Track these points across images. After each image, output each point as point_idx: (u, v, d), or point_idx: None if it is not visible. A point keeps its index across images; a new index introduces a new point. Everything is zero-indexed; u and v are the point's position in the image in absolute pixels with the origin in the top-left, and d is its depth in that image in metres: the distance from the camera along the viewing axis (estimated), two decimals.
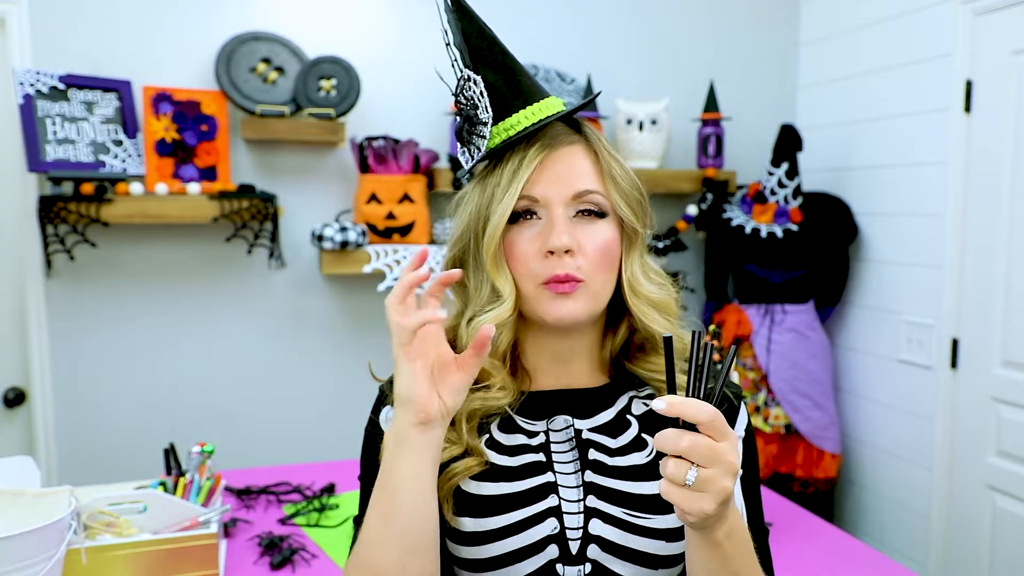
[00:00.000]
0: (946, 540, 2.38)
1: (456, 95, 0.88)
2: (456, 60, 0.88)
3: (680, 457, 0.67)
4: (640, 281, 0.87)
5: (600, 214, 0.85)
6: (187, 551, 1.42)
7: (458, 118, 0.88)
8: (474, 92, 0.85)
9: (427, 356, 0.77)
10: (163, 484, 1.62)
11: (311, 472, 2.09)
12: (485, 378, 0.86)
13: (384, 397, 0.92)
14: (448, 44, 0.88)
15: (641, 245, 0.88)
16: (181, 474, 1.64)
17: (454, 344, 0.89)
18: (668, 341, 0.70)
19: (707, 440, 0.66)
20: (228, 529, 1.71)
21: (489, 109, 0.84)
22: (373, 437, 0.91)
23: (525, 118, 0.84)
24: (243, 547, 1.65)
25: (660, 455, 0.69)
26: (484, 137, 0.84)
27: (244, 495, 1.90)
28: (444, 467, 0.84)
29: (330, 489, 1.94)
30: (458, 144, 0.89)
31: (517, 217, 0.84)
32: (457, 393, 0.77)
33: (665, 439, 0.67)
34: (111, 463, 2.34)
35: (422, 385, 0.75)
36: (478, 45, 0.85)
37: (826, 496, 2.67)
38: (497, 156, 0.86)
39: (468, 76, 0.85)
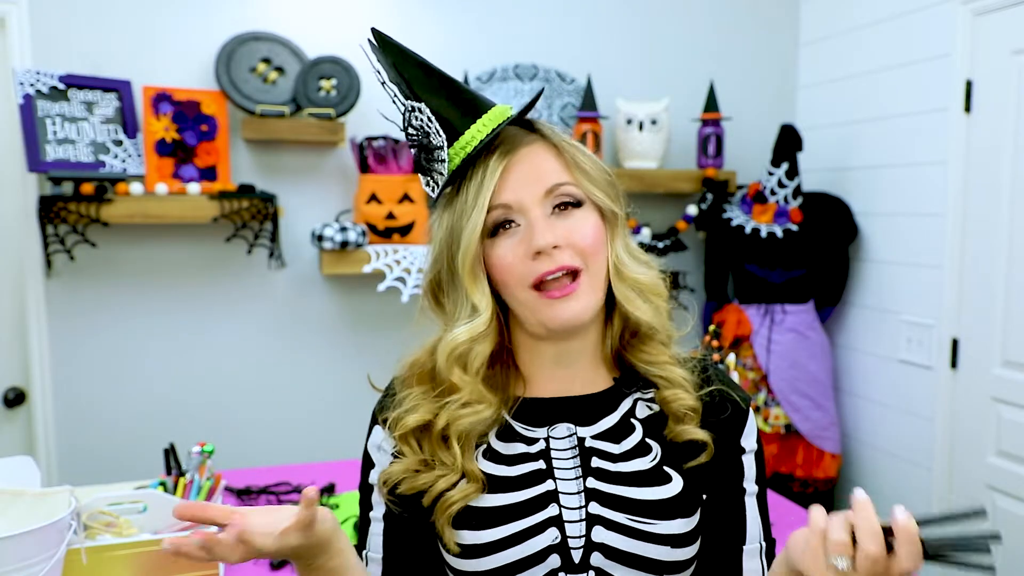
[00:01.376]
0: None
1: (404, 129, 0.87)
2: (396, 96, 0.87)
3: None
4: (626, 263, 0.85)
5: (576, 203, 0.83)
6: None
7: (413, 151, 0.87)
8: (422, 120, 0.84)
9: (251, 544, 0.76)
10: (163, 484, 1.62)
11: (311, 472, 2.09)
12: (458, 394, 0.84)
13: (375, 418, 0.92)
14: (383, 83, 0.87)
15: (622, 227, 0.87)
16: (181, 474, 1.64)
17: (435, 370, 0.87)
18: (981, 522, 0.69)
19: (884, 564, 0.66)
20: None
21: (441, 132, 0.83)
22: (366, 461, 0.92)
23: (479, 131, 0.82)
24: None
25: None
26: (443, 161, 0.83)
27: (244, 495, 1.90)
28: (440, 496, 0.83)
29: (330, 489, 1.94)
30: (420, 175, 0.88)
31: (497, 229, 0.83)
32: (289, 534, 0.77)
33: (867, 524, 0.67)
34: (111, 463, 2.33)
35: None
36: (413, 75, 0.84)
37: (826, 496, 2.67)
38: (460, 175, 0.84)
39: (412, 107, 0.84)
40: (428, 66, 0.85)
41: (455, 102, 0.84)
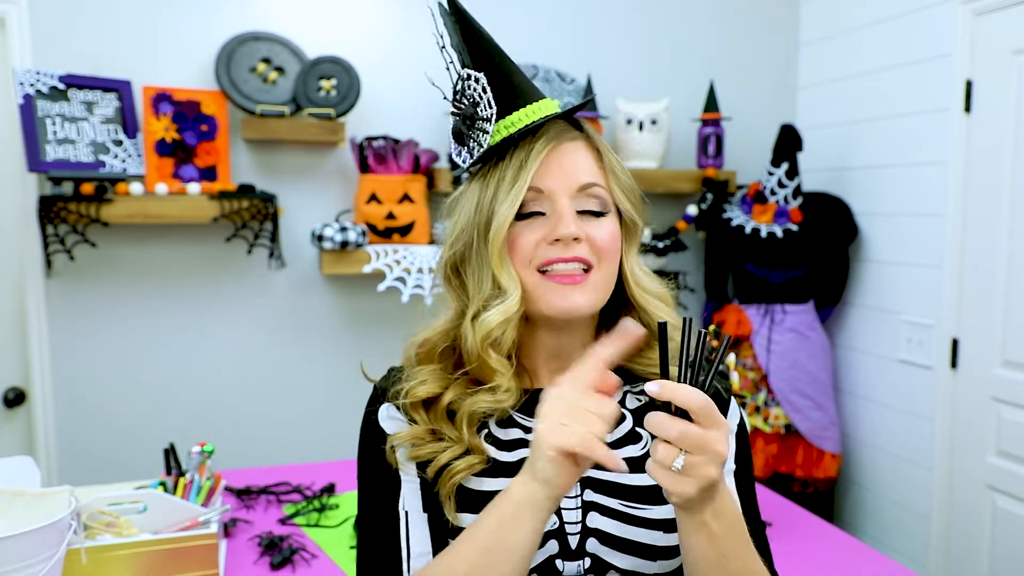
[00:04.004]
0: (946, 540, 2.38)
1: (455, 95, 0.88)
2: (453, 61, 0.88)
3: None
4: (639, 276, 0.90)
5: (601, 213, 0.86)
6: (187, 551, 1.42)
7: (455, 118, 0.88)
8: (475, 89, 0.85)
9: None
10: (163, 484, 1.62)
11: (311, 472, 2.09)
12: (491, 379, 0.85)
13: (382, 394, 0.91)
14: (443, 47, 0.88)
15: (637, 241, 0.91)
16: (181, 474, 1.64)
17: (455, 345, 0.88)
18: (663, 327, 0.72)
19: (697, 429, 0.68)
20: (228, 529, 1.71)
21: (493, 104, 0.84)
22: (371, 436, 0.90)
23: (526, 115, 0.84)
24: (243, 547, 1.65)
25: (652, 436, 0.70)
26: (486, 133, 0.84)
27: (244, 495, 1.90)
28: (446, 466, 0.84)
29: (330, 489, 1.94)
30: (454, 143, 0.89)
31: (520, 216, 0.84)
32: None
33: (657, 423, 0.69)
34: (111, 463, 2.34)
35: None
36: (477, 47, 0.86)
37: (826, 496, 2.67)
38: (499, 153, 0.85)
39: (469, 75, 0.86)
40: (491, 44, 0.87)
41: (511, 81, 0.86)
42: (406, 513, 0.86)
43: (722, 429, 0.69)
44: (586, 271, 0.84)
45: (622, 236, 0.88)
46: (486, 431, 0.88)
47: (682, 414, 0.69)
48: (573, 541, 0.84)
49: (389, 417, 0.89)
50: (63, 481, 2.28)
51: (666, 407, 0.70)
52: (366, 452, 0.90)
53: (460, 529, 0.83)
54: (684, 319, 0.71)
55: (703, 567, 0.76)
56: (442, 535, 0.84)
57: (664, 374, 0.71)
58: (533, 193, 0.84)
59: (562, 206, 0.83)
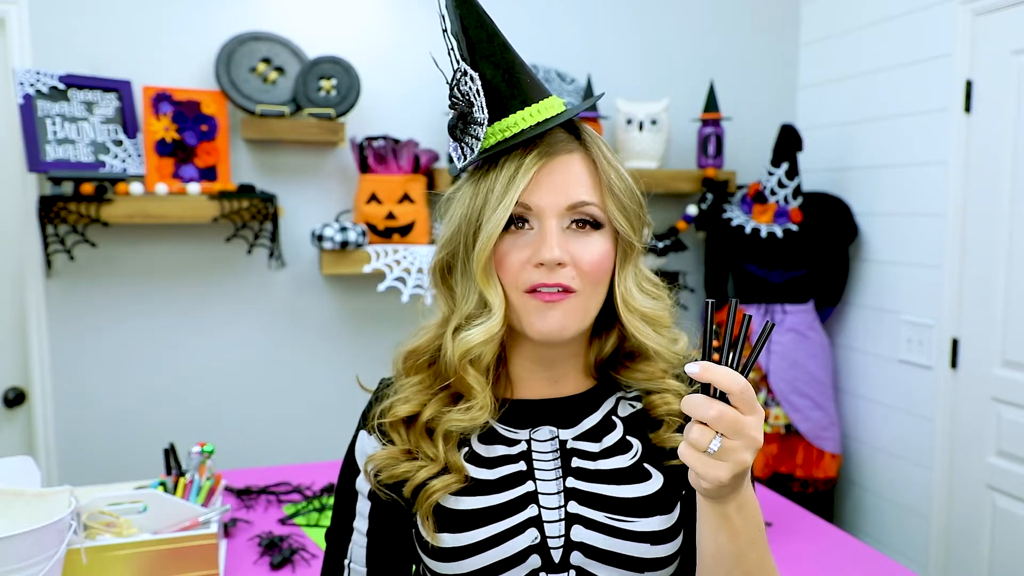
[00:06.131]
0: (946, 540, 2.38)
1: (451, 88, 0.83)
2: (452, 49, 0.82)
3: (705, 424, 0.67)
4: (634, 296, 0.84)
5: (596, 225, 0.82)
6: (187, 551, 1.42)
7: (451, 111, 0.84)
8: (470, 89, 0.80)
9: None
10: (163, 484, 1.62)
11: (311, 472, 2.09)
12: (469, 395, 0.84)
13: (362, 423, 0.91)
14: (445, 31, 0.82)
15: (636, 257, 0.86)
16: (181, 474, 1.64)
17: (437, 356, 0.87)
18: (708, 306, 0.70)
19: (735, 412, 0.66)
20: (228, 529, 1.71)
21: (485, 109, 0.79)
22: (350, 466, 0.92)
23: (523, 119, 0.80)
24: (243, 547, 1.65)
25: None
26: (478, 138, 0.80)
27: (244, 495, 1.90)
28: (422, 486, 0.83)
29: (330, 489, 1.94)
30: (450, 139, 0.85)
31: (509, 225, 0.81)
32: None
33: (694, 404, 0.67)
34: (111, 463, 2.34)
35: None
36: (477, 36, 0.80)
37: (826, 496, 2.67)
38: (493, 158, 0.82)
39: (464, 71, 0.81)
40: (494, 33, 0.81)
41: (509, 80, 0.80)
42: (348, 565, 0.90)
43: (759, 416, 0.68)
44: (569, 292, 0.81)
45: (616, 254, 0.84)
46: (467, 449, 0.86)
47: (719, 398, 0.68)
48: (556, 555, 0.82)
49: (363, 451, 0.90)
50: (63, 481, 2.28)
51: (704, 389, 0.68)
52: (341, 479, 0.93)
53: (437, 547, 0.83)
54: (730, 300, 0.70)
55: (720, 561, 0.75)
56: None
57: (705, 355, 0.70)
58: (522, 208, 0.80)
59: (548, 227, 0.79)
